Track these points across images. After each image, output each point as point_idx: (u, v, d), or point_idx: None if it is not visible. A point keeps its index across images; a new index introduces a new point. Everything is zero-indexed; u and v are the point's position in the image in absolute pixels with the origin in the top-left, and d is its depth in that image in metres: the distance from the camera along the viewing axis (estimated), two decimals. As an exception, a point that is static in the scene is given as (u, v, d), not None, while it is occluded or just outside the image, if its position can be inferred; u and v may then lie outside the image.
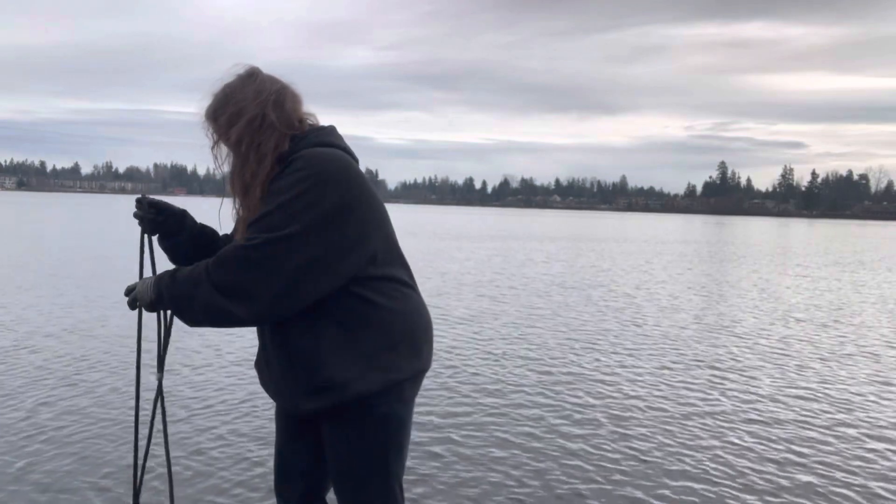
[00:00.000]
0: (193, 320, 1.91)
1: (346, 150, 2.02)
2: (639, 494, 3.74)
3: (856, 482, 4.00)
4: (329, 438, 2.02)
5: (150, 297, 1.93)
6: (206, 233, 2.18)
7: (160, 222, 2.08)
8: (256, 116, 1.92)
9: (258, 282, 1.82)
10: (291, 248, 1.82)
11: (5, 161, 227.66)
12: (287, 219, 1.82)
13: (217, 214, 2.16)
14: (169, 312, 2.07)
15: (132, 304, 1.99)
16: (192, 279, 1.87)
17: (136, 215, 2.06)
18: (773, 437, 4.73)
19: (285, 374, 1.98)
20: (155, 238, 2.14)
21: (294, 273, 1.82)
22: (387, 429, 1.97)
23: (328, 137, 2.00)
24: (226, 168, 2.01)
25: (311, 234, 1.83)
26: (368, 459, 1.98)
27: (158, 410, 2.23)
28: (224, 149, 2.00)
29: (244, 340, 6.92)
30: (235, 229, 2.05)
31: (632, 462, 4.20)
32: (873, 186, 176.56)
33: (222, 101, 1.96)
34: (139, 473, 2.27)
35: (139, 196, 2.07)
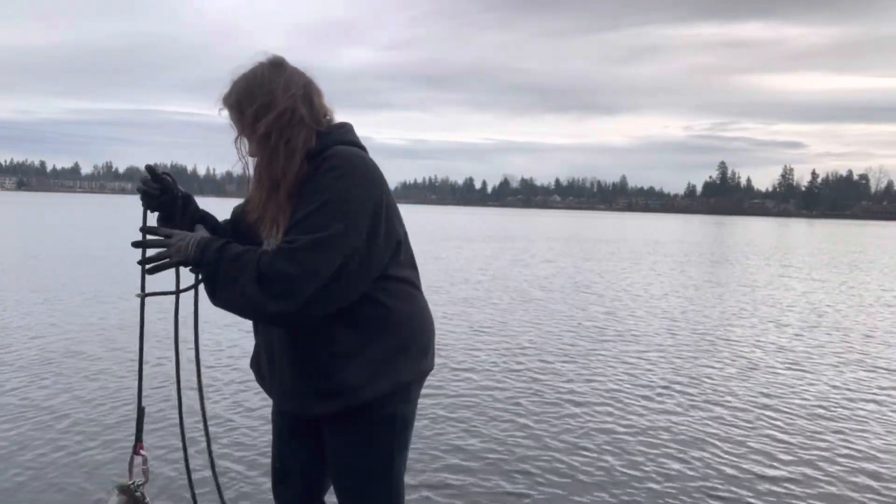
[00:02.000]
0: (222, 300, 1.81)
1: (364, 149, 2.01)
2: (605, 496, 3.93)
3: (836, 482, 4.04)
4: (333, 438, 1.99)
5: (192, 255, 1.82)
6: (208, 220, 2.08)
7: (163, 201, 1.97)
8: (287, 110, 1.84)
9: (300, 281, 1.73)
10: (335, 247, 1.76)
11: (5, 161, 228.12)
12: (330, 217, 1.77)
13: (219, 213, 2.15)
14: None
15: (162, 257, 1.86)
16: (241, 264, 1.77)
17: (139, 189, 1.95)
18: (738, 441, 4.90)
19: (294, 376, 1.93)
20: (156, 215, 2.03)
21: (334, 274, 1.76)
22: (392, 429, 1.96)
23: (350, 136, 1.97)
24: (250, 163, 1.92)
25: (354, 232, 1.79)
26: (373, 459, 1.97)
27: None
28: (246, 142, 1.91)
29: (233, 333, 7.14)
30: (252, 224, 1.99)
31: (595, 455, 4.41)
32: (873, 186, 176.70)
33: (247, 91, 1.86)
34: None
35: (148, 165, 1.94)
